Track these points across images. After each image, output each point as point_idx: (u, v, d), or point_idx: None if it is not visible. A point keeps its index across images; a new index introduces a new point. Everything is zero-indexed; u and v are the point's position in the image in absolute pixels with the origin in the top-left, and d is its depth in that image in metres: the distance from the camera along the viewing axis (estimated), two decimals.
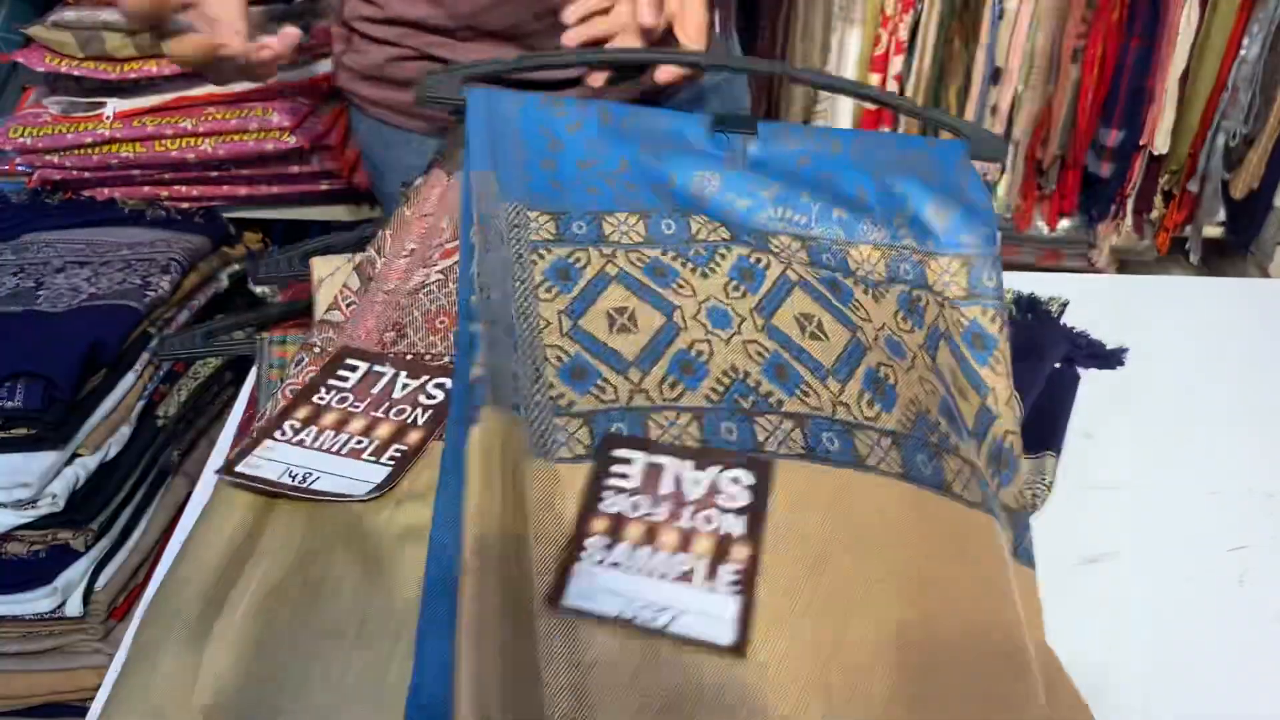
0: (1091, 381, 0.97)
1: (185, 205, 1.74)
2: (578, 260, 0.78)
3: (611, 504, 0.62)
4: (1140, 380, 0.98)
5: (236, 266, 1.73)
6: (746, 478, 0.65)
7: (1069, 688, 0.65)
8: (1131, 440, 0.91)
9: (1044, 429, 0.88)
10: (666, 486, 0.63)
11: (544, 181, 0.85)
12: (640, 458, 0.65)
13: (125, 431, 1.42)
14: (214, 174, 1.70)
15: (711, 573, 0.59)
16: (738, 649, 0.56)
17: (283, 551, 0.61)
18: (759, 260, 0.80)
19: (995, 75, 1.68)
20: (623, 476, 0.64)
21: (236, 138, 1.62)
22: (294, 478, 0.64)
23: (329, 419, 0.69)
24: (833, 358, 0.74)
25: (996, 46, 1.66)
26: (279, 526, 0.63)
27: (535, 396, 0.68)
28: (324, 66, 1.64)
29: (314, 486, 0.63)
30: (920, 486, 0.68)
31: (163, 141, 1.63)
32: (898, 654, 0.57)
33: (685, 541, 0.61)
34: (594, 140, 0.89)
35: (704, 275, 0.79)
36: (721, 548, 0.61)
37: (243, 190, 1.74)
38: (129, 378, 1.44)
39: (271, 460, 0.65)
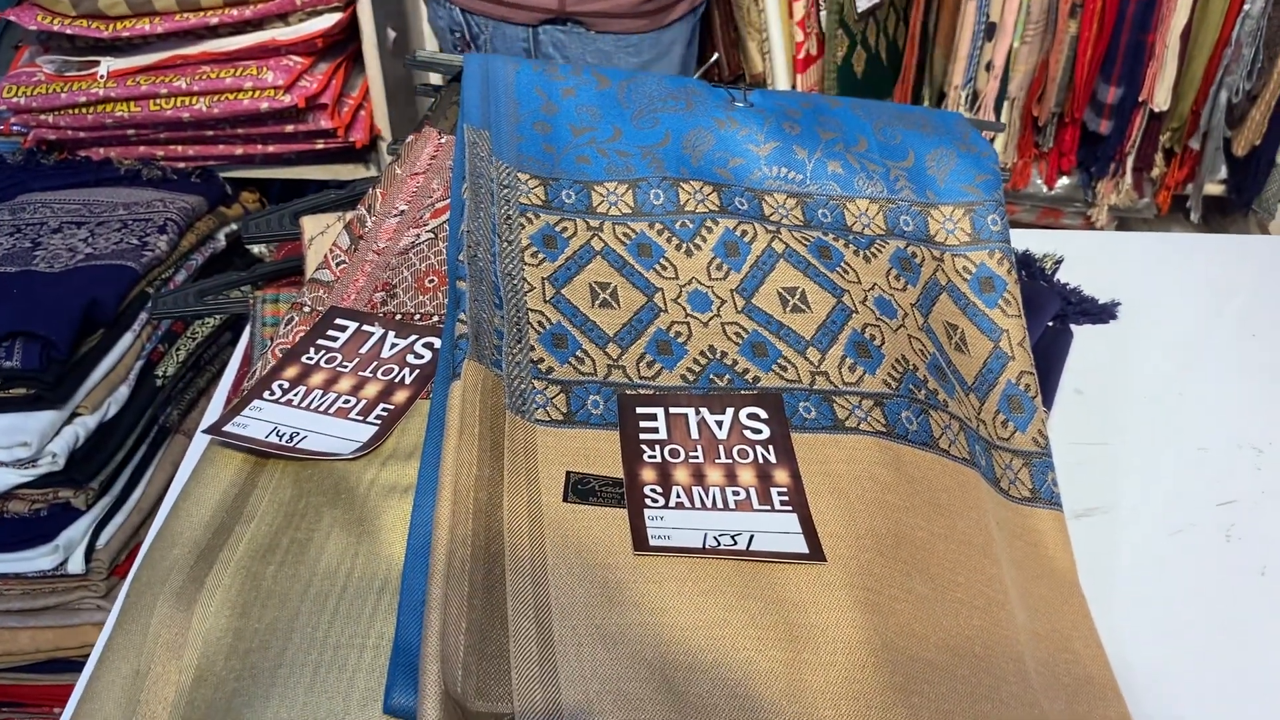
0: (1084, 338, 0.97)
1: (181, 165, 1.74)
2: (565, 229, 0.78)
3: (653, 455, 0.65)
4: (1133, 337, 0.98)
5: (234, 226, 1.73)
6: (761, 412, 0.68)
7: (1089, 632, 0.67)
8: (1122, 396, 0.91)
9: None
10: (694, 432, 0.67)
11: (536, 144, 0.85)
12: (660, 411, 0.68)
13: (124, 391, 1.43)
14: (210, 133, 1.70)
15: (764, 496, 0.63)
16: (815, 555, 0.59)
17: (271, 510, 0.62)
18: (745, 233, 0.80)
19: (990, 30, 1.66)
20: (652, 430, 0.67)
21: (231, 96, 1.61)
22: (281, 437, 0.64)
23: (317, 379, 0.69)
24: (814, 328, 0.74)
25: (992, 2, 1.64)
26: (268, 485, 0.63)
27: (516, 356, 0.68)
28: (318, 24, 1.63)
29: (301, 446, 0.64)
30: (903, 443, 0.68)
31: (157, 100, 1.62)
32: (867, 612, 0.58)
33: (730, 475, 0.64)
34: (589, 106, 0.89)
35: (689, 253, 0.79)
36: (764, 472, 0.65)
37: (239, 149, 1.73)
38: (127, 337, 1.45)
39: (260, 420, 0.65)
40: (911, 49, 1.78)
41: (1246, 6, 1.63)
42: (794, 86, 1.73)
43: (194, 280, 1.60)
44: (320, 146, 1.73)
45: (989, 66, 1.69)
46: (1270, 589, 0.74)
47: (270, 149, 1.73)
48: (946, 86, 1.75)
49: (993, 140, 1.77)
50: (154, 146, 1.72)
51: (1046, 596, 0.68)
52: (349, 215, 0.83)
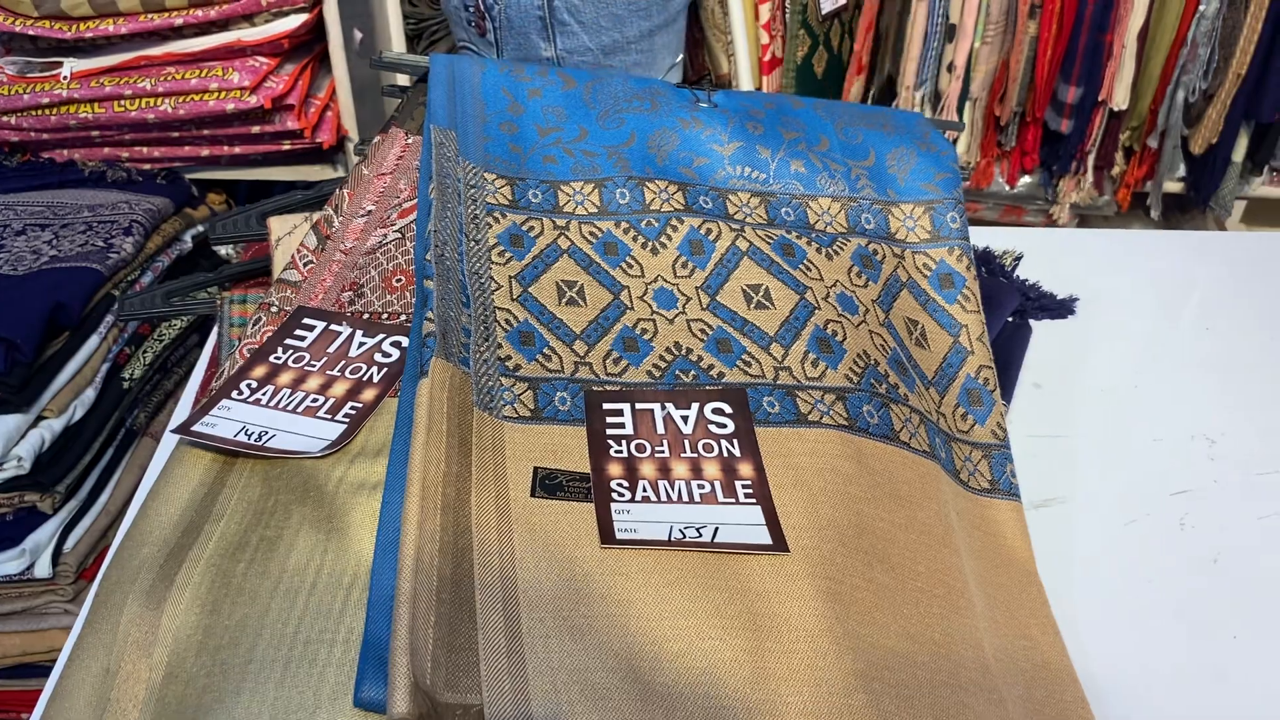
0: (1043, 333, 0.99)
1: (146, 166, 1.73)
2: (531, 228, 0.79)
3: (620, 450, 0.66)
4: (1090, 332, 1.00)
5: (200, 228, 1.73)
6: (726, 407, 0.70)
7: (1046, 619, 0.68)
8: (1079, 389, 0.93)
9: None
10: (660, 427, 0.68)
11: (503, 144, 0.86)
12: (626, 407, 0.69)
13: (90, 394, 1.42)
14: (175, 134, 1.69)
15: (729, 489, 0.64)
16: (778, 546, 0.61)
17: (240, 508, 0.62)
18: (710, 231, 0.81)
19: (950, 32, 1.69)
20: (619, 426, 0.68)
21: (197, 98, 1.61)
22: (250, 436, 0.65)
23: (285, 378, 0.69)
24: (778, 324, 0.76)
25: (950, 2, 1.67)
26: (236, 484, 0.64)
27: (484, 354, 0.69)
28: (284, 24, 1.62)
29: (270, 445, 0.64)
30: (864, 436, 0.69)
31: (122, 102, 1.62)
32: (829, 601, 0.59)
33: (696, 469, 0.66)
34: (555, 107, 0.89)
35: (654, 251, 0.80)
36: (728, 466, 0.66)
37: (205, 150, 1.72)
38: (93, 340, 1.44)
39: (228, 419, 0.66)
40: (863, 49, 1.80)
41: (1202, 8, 1.66)
42: (760, 88, 1.74)
43: (160, 282, 1.59)
44: (287, 147, 1.73)
45: (950, 68, 1.71)
46: (1222, 576, 0.76)
47: (236, 150, 1.73)
48: (899, 86, 1.78)
49: (955, 140, 1.79)
50: (119, 148, 1.72)
51: (1005, 585, 0.69)
52: (316, 215, 0.84)
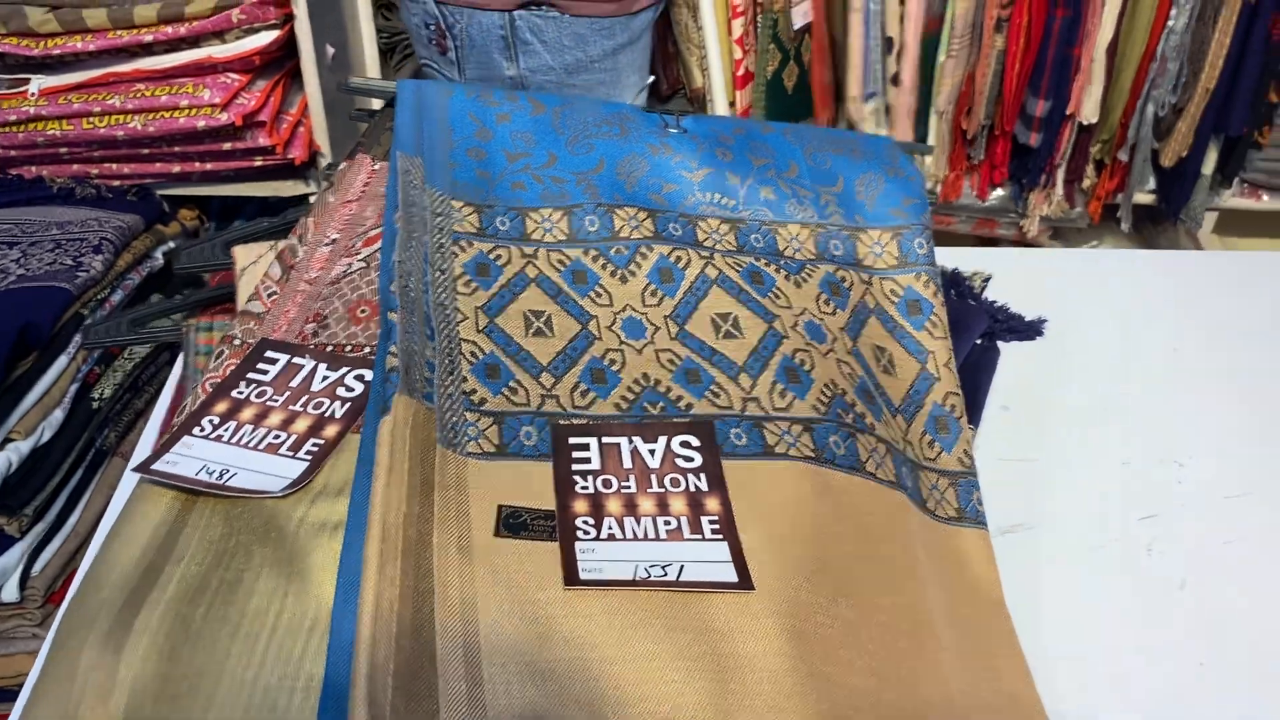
0: (1011, 355, 0.99)
1: (117, 183, 1.71)
2: (499, 257, 0.79)
3: (586, 486, 0.66)
4: (1059, 353, 1.01)
5: (172, 244, 1.71)
6: (694, 440, 0.69)
7: (1014, 650, 0.68)
8: (1048, 412, 0.93)
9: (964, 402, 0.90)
10: (627, 461, 0.68)
11: (470, 171, 0.85)
12: (593, 441, 0.69)
13: (59, 415, 1.41)
14: (145, 151, 1.68)
15: (695, 525, 0.64)
16: (744, 584, 0.60)
17: (201, 549, 0.61)
18: (679, 259, 0.81)
19: (888, 44, 1.69)
20: (585, 461, 0.67)
21: (167, 115, 1.60)
22: (211, 474, 0.64)
23: (247, 413, 0.69)
24: (746, 354, 0.76)
25: (886, 16, 1.67)
26: (198, 524, 0.63)
27: (449, 388, 0.69)
28: (255, 41, 1.61)
29: (231, 483, 0.64)
30: (831, 468, 0.69)
31: (90, 119, 1.60)
32: (793, 639, 0.59)
33: (662, 504, 0.65)
34: (524, 132, 0.89)
35: (623, 280, 0.80)
36: (695, 501, 0.65)
37: (175, 167, 1.71)
38: (61, 360, 1.42)
39: (189, 457, 0.65)
40: (820, 61, 1.79)
41: (1171, 23, 1.67)
42: (733, 103, 1.74)
43: (131, 300, 1.58)
44: (259, 163, 1.72)
45: (896, 80, 1.71)
46: (1190, 602, 0.77)
47: (208, 166, 1.71)
48: (845, 97, 1.77)
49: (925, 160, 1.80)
50: (88, 164, 1.70)
51: (971, 616, 0.69)
52: (281, 245, 0.83)
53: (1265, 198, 1.92)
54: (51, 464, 1.39)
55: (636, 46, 1.61)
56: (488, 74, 1.57)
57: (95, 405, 1.49)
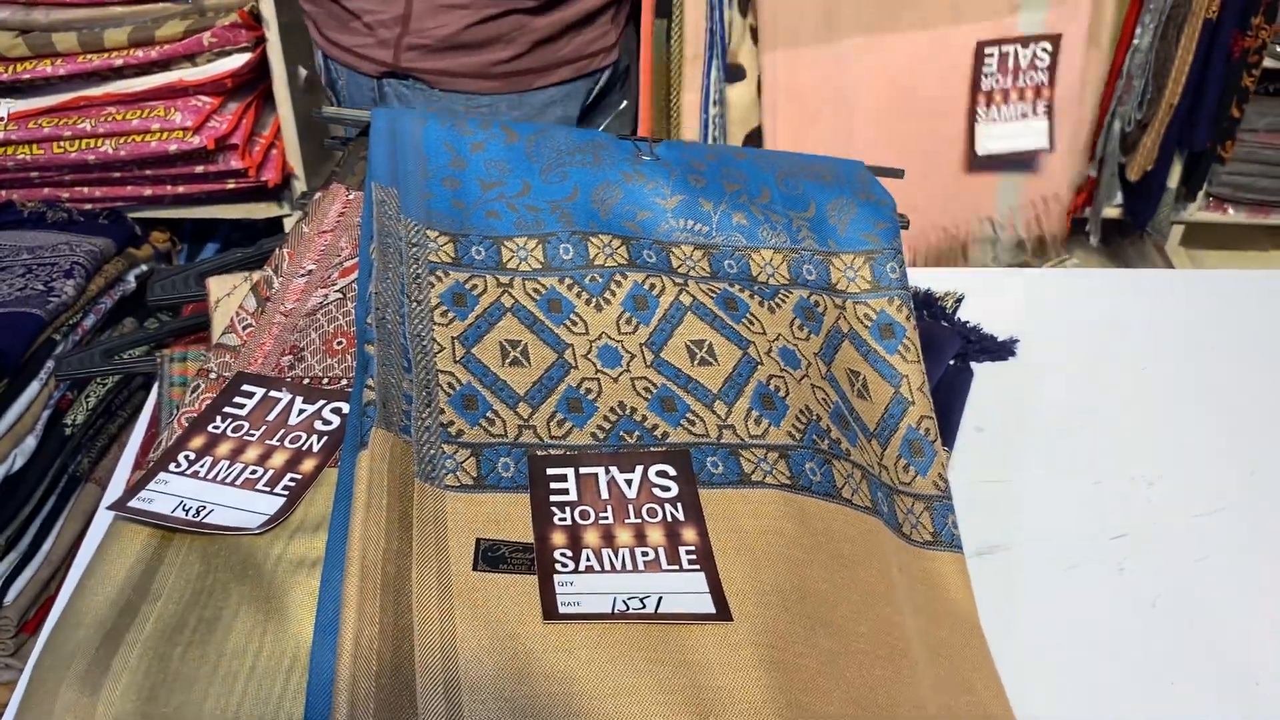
0: (984, 375, 1.00)
1: (88, 206, 1.71)
2: (475, 287, 0.79)
3: (564, 517, 0.66)
4: (1031, 372, 1.02)
5: (144, 267, 1.70)
6: (670, 469, 0.70)
7: (989, 673, 0.69)
8: (1021, 433, 0.94)
9: (937, 425, 0.91)
10: (604, 491, 0.68)
11: (445, 200, 0.85)
12: (570, 472, 0.69)
13: (31, 442, 1.40)
14: (117, 174, 1.67)
15: (673, 556, 0.64)
16: (722, 615, 0.61)
17: (179, 588, 0.61)
18: (653, 286, 0.82)
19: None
20: (563, 492, 0.67)
21: (138, 138, 1.60)
22: (188, 511, 0.64)
23: (224, 448, 0.69)
24: (721, 381, 0.76)
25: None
26: (175, 561, 0.63)
27: (426, 421, 0.69)
28: (227, 64, 1.61)
29: (208, 520, 0.63)
30: (806, 495, 0.70)
31: (61, 143, 1.60)
32: (772, 670, 0.59)
33: (640, 535, 0.65)
34: (498, 161, 0.89)
35: (598, 308, 0.80)
36: (672, 531, 0.66)
37: (148, 190, 1.71)
38: (33, 386, 1.42)
39: (165, 493, 0.65)
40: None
41: (1135, 41, 1.70)
42: None
43: (103, 324, 1.57)
44: (231, 186, 1.72)
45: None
46: (1162, 621, 0.78)
47: (180, 189, 1.71)
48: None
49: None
50: (59, 188, 1.69)
51: (948, 640, 0.70)
52: (255, 276, 0.83)
53: (1230, 211, 1.96)
54: (24, 492, 1.38)
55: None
56: None
57: (68, 431, 1.48)
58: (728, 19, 1.64)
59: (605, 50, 1.57)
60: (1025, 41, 1.65)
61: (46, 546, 1.43)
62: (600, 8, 1.53)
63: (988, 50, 1.65)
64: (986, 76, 1.66)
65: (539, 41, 1.50)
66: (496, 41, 1.48)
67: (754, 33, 1.65)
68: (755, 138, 1.74)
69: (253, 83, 1.70)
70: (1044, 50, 1.66)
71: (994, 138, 1.70)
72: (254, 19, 1.62)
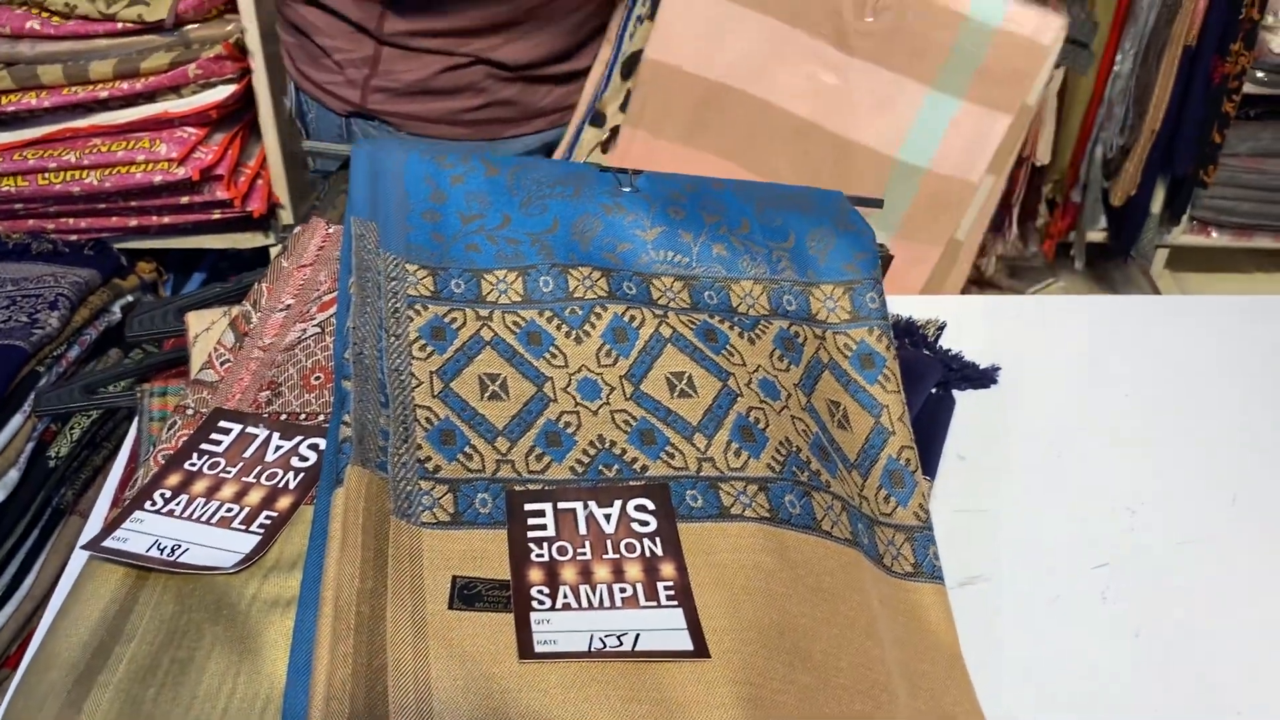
0: (966, 404, 1.00)
1: (73, 237, 1.70)
2: (454, 320, 0.79)
3: (541, 554, 0.65)
4: (1013, 400, 1.02)
5: (130, 298, 1.70)
6: (649, 503, 0.69)
7: (971, 705, 0.69)
8: (1003, 462, 0.94)
9: (919, 454, 0.91)
10: (582, 527, 0.67)
11: (425, 234, 0.85)
12: (548, 508, 0.68)
13: (14, 475, 1.39)
14: (102, 205, 1.67)
15: (651, 592, 0.64)
16: (700, 651, 0.60)
17: (152, 628, 0.61)
18: (633, 318, 0.82)
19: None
20: (540, 528, 0.67)
21: (123, 170, 1.60)
22: (163, 550, 0.64)
23: (200, 486, 0.68)
24: (701, 413, 0.76)
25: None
26: (149, 601, 0.63)
27: (403, 457, 0.68)
28: (212, 96, 1.62)
29: (182, 559, 0.63)
30: (786, 528, 0.70)
31: (46, 175, 1.60)
32: (750, 708, 0.59)
33: (618, 571, 0.65)
34: (478, 194, 0.90)
35: (578, 340, 0.80)
36: (650, 566, 0.65)
37: (133, 221, 1.71)
38: (16, 419, 1.41)
39: (140, 532, 0.65)
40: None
41: (1116, 68, 1.71)
42: None
43: (88, 356, 1.57)
44: (217, 216, 1.72)
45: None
46: (1144, 651, 0.77)
47: (165, 220, 1.71)
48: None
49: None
50: (44, 219, 1.69)
51: (930, 673, 0.70)
52: (234, 311, 0.83)
53: (1214, 234, 1.97)
54: (7, 525, 1.37)
55: None
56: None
57: (52, 464, 1.47)
58: (614, 79, 1.59)
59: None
60: None
61: (28, 581, 1.42)
62: (583, 70, 1.52)
63: None
64: None
65: (512, 94, 1.49)
66: (467, 90, 1.46)
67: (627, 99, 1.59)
68: None
69: (238, 114, 1.71)
70: None
71: None
72: (239, 50, 1.63)
